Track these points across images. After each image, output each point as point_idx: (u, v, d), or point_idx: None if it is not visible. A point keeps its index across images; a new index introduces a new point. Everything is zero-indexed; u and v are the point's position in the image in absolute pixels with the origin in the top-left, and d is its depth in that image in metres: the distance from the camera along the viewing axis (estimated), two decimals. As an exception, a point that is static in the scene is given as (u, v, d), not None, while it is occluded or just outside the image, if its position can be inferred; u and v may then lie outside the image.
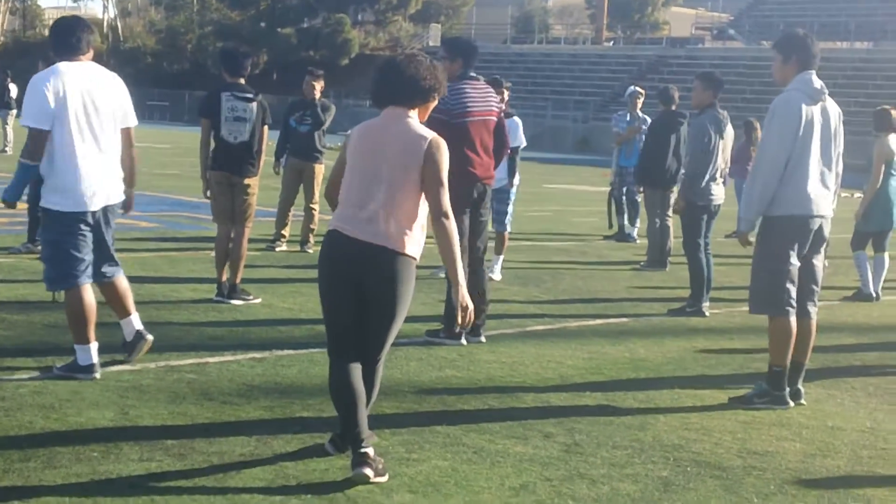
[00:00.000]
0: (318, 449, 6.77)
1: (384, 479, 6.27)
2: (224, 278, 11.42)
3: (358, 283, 6.30)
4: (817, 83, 8.59)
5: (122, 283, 8.55)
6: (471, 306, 6.28)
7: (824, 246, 8.75)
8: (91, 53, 8.32)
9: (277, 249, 15.55)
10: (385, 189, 6.30)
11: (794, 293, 8.57)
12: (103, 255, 8.34)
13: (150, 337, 8.59)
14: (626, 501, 6.25)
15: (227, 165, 11.36)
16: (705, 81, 12.81)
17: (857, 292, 14.49)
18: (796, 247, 8.53)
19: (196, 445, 6.72)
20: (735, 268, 16.55)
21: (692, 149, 12.66)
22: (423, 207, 6.39)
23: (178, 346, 9.24)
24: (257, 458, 6.59)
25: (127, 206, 8.61)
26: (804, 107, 8.50)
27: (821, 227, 8.62)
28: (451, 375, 8.89)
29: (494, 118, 10.34)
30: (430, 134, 6.37)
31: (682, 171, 15.48)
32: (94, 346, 8.11)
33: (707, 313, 12.53)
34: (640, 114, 19.06)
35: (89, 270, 8.20)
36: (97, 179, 8.08)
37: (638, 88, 19.61)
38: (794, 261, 8.54)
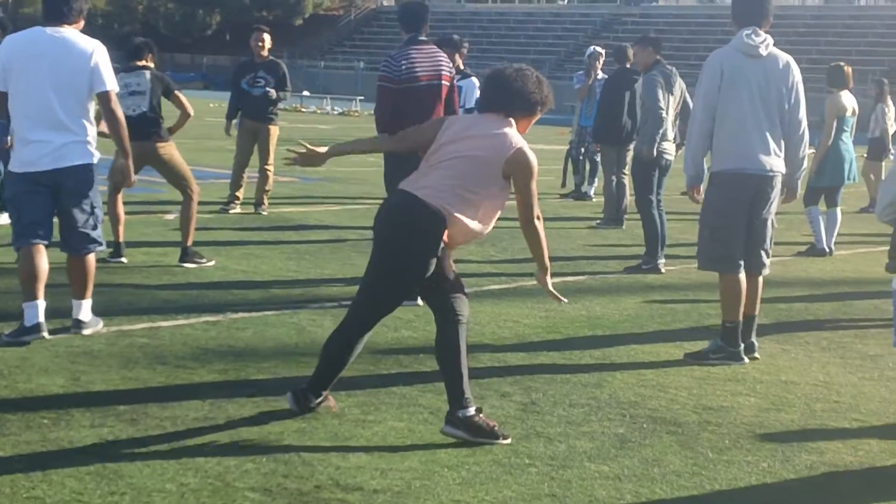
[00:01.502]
0: (273, 412, 6.73)
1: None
2: (120, 238, 11.42)
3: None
4: (754, 39, 8.53)
5: (81, 264, 8.42)
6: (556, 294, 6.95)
7: (770, 203, 8.70)
8: (80, 22, 8.45)
9: (231, 212, 15.46)
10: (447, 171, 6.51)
11: (738, 249, 8.58)
12: (67, 224, 8.32)
13: (85, 332, 8.44)
14: (582, 459, 6.25)
15: (133, 136, 11.31)
16: (642, 42, 13.16)
17: (810, 247, 14.55)
18: (740, 203, 8.53)
19: (149, 410, 6.67)
20: (690, 224, 16.53)
21: (644, 102, 12.68)
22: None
23: (130, 311, 9.17)
24: (211, 422, 6.54)
25: (121, 175, 8.85)
26: (729, 63, 8.50)
27: (763, 183, 8.55)
28: (407, 336, 8.86)
29: (445, 83, 10.27)
30: (521, 142, 6.52)
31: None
32: (40, 303, 8.05)
33: (663, 270, 12.56)
34: (602, 73, 18.93)
35: (42, 232, 8.19)
36: (42, 142, 8.11)
37: (598, 48, 19.56)
38: (737, 218, 8.54)
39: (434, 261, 6.46)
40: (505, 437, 6.48)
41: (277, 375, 7.53)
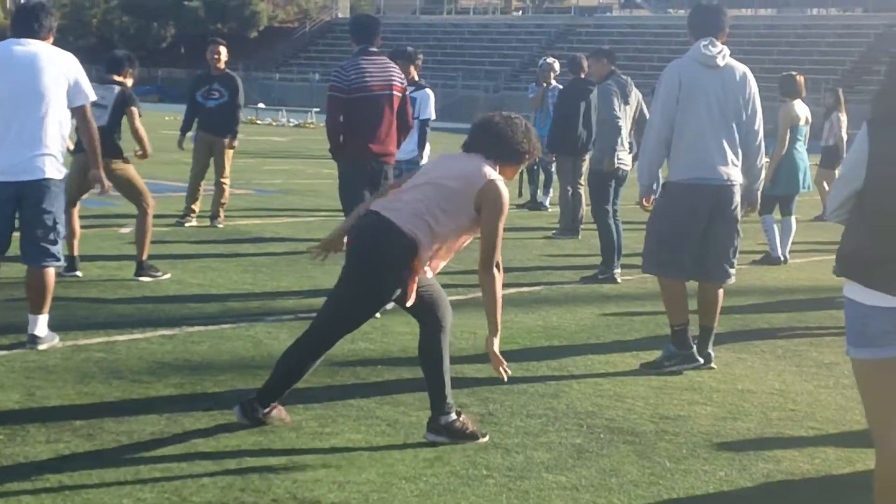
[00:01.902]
0: (229, 425, 6.71)
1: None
2: (75, 252, 11.32)
3: None
4: (712, 50, 8.60)
5: (40, 278, 8.37)
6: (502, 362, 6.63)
7: (731, 213, 8.74)
8: (49, 37, 8.53)
9: (187, 225, 15.40)
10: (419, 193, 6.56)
11: (685, 256, 8.63)
12: (28, 237, 8.31)
13: (40, 347, 8.37)
14: (539, 470, 6.26)
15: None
16: (596, 55, 13.31)
17: (765, 256, 14.64)
18: (697, 213, 8.57)
19: (105, 425, 6.63)
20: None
21: (599, 115, 12.75)
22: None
23: (85, 325, 9.11)
24: (168, 435, 6.52)
25: (100, 185, 8.90)
26: (687, 74, 8.55)
27: (722, 194, 8.61)
28: (364, 348, 8.85)
29: (397, 93, 10.30)
30: (496, 177, 6.56)
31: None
32: None
33: (619, 280, 12.60)
34: (554, 83, 19.02)
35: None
36: (12, 154, 8.13)
37: (549, 60, 19.65)
38: (691, 227, 8.58)
39: (402, 284, 6.46)
40: (483, 435, 6.69)
41: (234, 389, 7.50)
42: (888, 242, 4.73)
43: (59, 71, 8.27)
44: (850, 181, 4.88)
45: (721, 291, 8.95)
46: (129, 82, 11.59)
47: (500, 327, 6.61)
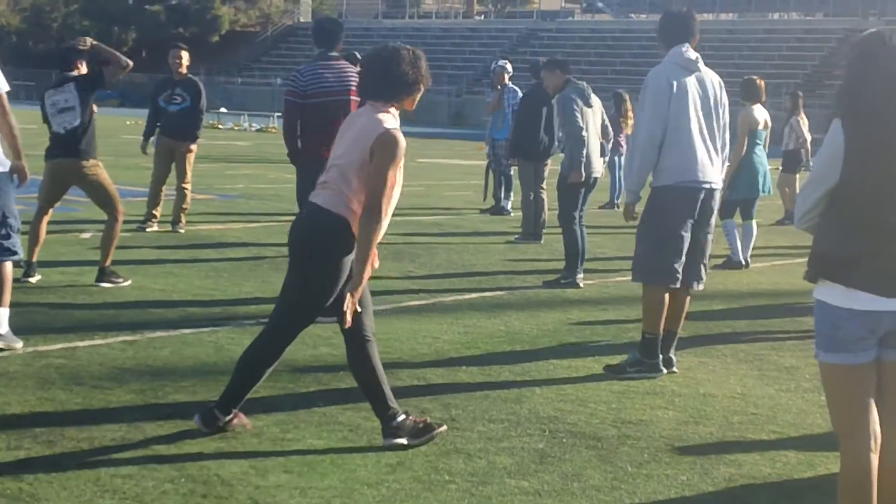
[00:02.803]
0: (191, 432, 6.68)
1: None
2: (35, 258, 11.23)
3: None
4: (691, 54, 8.70)
5: None
6: (355, 308, 6.34)
7: (712, 217, 8.84)
8: None
9: (148, 230, 15.33)
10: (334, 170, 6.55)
11: (679, 265, 8.66)
12: None
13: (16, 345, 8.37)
14: (502, 475, 6.26)
15: (61, 153, 11.16)
16: (549, 66, 13.32)
17: (726, 260, 14.69)
18: (684, 217, 8.62)
19: (66, 432, 6.59)
20: (608, 238, 16.71)
21: (563, 124, 12.74)
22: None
23: (46, 331, 9.05)
24: (129, 442, 6.48)
25: (18, 176, 8.65)
26: (674, 77, 8.59)
27: (707, 197, 8.70)
28: (326, 353, 8.83)
29: (353, 98, 10.29)
30: (386, 126, 6.43)
31: (557, 144, 15.63)
32: None
33: (581, 284, 12.61)
34: (511, 85, 19.16)
35: None
36: None
37: (501, 62, 19.88)
38: (683, 232, 8.63)
39: (349, 264, 6.44)
40: (440, 426, 6.78)
41: (196, 395, 7.47)
42: (865, 239, 4.74)
43: None
44: (823, 181, 4.85)
45: (689, 298, 8.99)
46: (83, 70, 11.37)
47: (364, 280, 6.33)
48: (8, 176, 8.40)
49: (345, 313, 6.28)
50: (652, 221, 8.70)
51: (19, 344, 8.44)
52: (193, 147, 15.70)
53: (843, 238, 4.80)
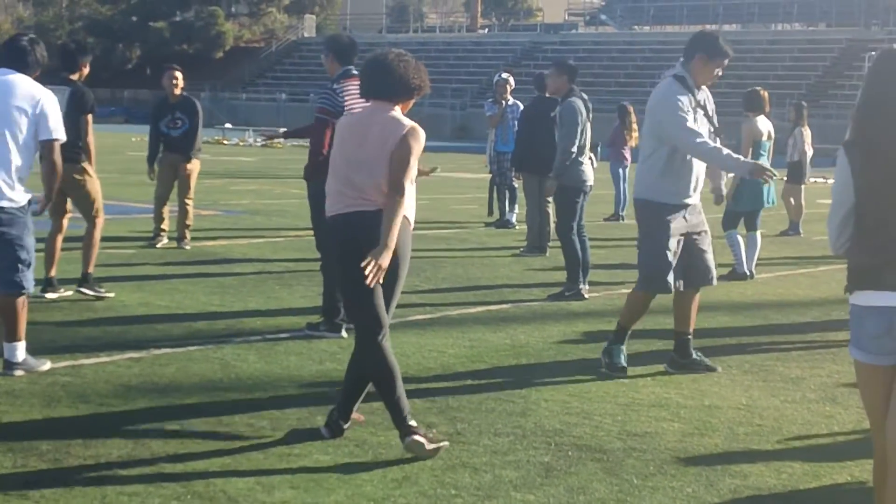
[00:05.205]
0: (197, 448, 6.69)
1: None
2: (52, 273, 11.28)
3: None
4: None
5: (10, 305, 8.34)
6: (384, 266, 6.49)
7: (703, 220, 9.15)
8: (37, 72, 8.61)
9: (158, 245, 15.35)
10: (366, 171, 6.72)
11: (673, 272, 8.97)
12: None
13: (17, 373, 8.33)
14: (508, 489, 6.27)
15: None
16: (560, 68, 13.16)
17: (731, 271, 14.68)
18: (679, 225, 8.93)
19: (72, 450, 6.61)
20: (612, 250, 16.71)
21: (565, 131, 12.72)
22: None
23: (51, 349, 9.06)
24: (135, 459, 6.49)
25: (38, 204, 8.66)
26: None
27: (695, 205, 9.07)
28: (332, 369, 8.84)
29: None
30: (410, 123, 6.77)
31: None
32: None
33: (586, 296, 12.61)
34: (512, 99, 19.18)
35: None
36: None
37: (503, 75, 19.85)
38: (673, 243, 8.91)
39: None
40: (443, 440, 6.92)
41: (202, 411, 7.48)
42: (888, 248, 4.97)
43: (32, 103, 8.26)
44: (840, 205, 5.10)
45: (697, 298, 9.39)
46: (86, 71, 11.26)
47: (391, 246, 6.50)
48: (26, 209, 8.36)
49: (377, 271, 6.43)
50: (658, 232, 8.94)
51: (46, 365, 8.46)
52: (196, 162, 15.72)
53: (869, 250, 5.03)
